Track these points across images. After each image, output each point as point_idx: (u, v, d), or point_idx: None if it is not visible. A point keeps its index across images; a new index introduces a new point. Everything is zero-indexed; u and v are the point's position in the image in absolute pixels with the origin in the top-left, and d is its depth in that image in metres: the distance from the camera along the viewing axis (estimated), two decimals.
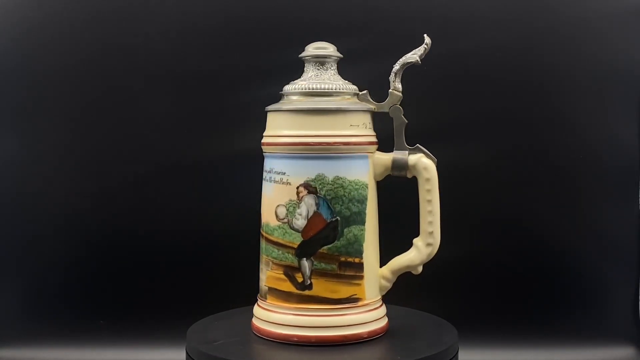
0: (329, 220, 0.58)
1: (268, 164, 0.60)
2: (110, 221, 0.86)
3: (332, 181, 0.58)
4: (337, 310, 0.58)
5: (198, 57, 0.85)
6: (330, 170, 0.58)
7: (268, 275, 0.60)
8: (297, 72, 0.62)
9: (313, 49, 0.61)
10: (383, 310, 0.62)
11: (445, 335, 0.62)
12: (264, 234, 0.60)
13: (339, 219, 0.58)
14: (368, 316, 0.60)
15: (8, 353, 0.86)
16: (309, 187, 0.58)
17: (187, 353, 0.61)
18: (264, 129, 0.62)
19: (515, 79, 0.85)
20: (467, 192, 0.85)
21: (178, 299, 0.86)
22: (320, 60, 0.61)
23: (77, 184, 0.86)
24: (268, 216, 0.60)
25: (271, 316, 0.60)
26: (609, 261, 0.86)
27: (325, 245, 0.58)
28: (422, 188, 0.61)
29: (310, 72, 0.61)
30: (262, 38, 0.84)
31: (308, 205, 0.58)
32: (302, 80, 0.61)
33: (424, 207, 0.61)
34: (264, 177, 0.61)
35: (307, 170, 0.58)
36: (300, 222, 0.58)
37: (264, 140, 0.61)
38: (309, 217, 0.58)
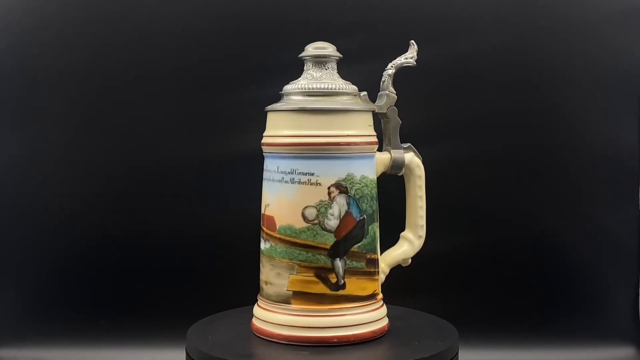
0: (358, 219, 0.59)
1: (286, 164, 0.58)
2: (110, 221, 0.86)
3: (359, 180, 0.59)
4: (366, 307, 0.60)
5: (197, 57, 0.85)
6: (357, 169, 0.59)
7: (292, 280, 0.58)
8: (297, 72, 0.62)
9: (313, 49, 0.61)
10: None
11: (445, 335, 0.62)
12: (283, 237, 0.58)
13: (365, 217, 0.59)
14: (384, 309, 0.62)
15: (8, 353, 0.86)
16: (341, 187, 0.58)
17: (187, 353, 0.61)
18: (263, 129, 0.62)
19: (514, 79, 0.85)
20: (467, 193, 0.85)
21: (178, 299, 0.86)
22: (320, 60, 0.61)
23: (77, 185, 0.86)
24: (291, 218, 0.58)
25: (301, 321, 0.58)
26: (609, 261, 0.86)
27: (355, 244, 0.59)
28: (415, 185, 0.64)
29: (311, 72, 0.61)
30: (262, 38, 0.84)
31: (340, 205, 0.58)
32: (307, 81, 0.60)
33: (415, 203, 0.64)
34: (277, 178, 0.59)
35: (337, 170, 0.58)
36: (332, 222, 0.58)
37: (276, 140, 0.59)
38: (341, 217, 0.58)
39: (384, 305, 0.62)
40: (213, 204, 0.86)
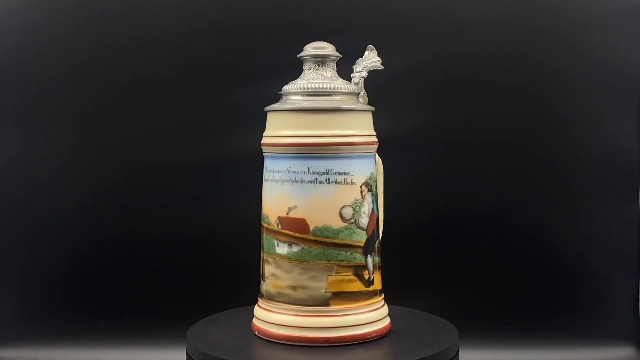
0: (377, 216, 0.60)
1: (320, 165, 0.58)
2: (110, 221, 0.86)
3: (375, 179, 0.61)
4: (382, 300, 0.62)
5: (197, 57, 0.85)
6: (374, 168, 0.61)
7: (332, 281, 0.58)
8: (298, 72, 0.62)
9: (312, 48, 0.61)
10: None
11: (445, 335, 0.62)
12: (319, 239, 0.57)
13: (378, 213, 0.61)
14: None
15: (8, 353, 0.86)
16: (369, 186, 0.59)
17: (187, 353, 0.61)
18: (264, 129, 0.62)
19: (514, 80, 0.85)
20: (468, 192, 0.85)
21: (178, 299, 0.86)
22: (319, 60, 0.61)
23: (77, 185, 0.86)
24: (328, 219, 0.57)
25: (342, 321, 0.58)
26: (609, 261, 0.86)
27: (377, 239, 0.60)
28: (378, 181, 0.64)
29: (311, 72, 0.61)
30: (262, 38, 0.84)
31: (368, 203, 0.59)
32: (305, 81, 0.60)
33: (379, 199, 0.65)
34: (309, 179, 0.57)
35: (365, 169, 0.59)
36: (364, 220, 0.59)
37: (304, 140, 0.58)
38: (369, 214, 0.59)
39: None
40: (213, 204, 0.86)
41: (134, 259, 0.86)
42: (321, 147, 0.58)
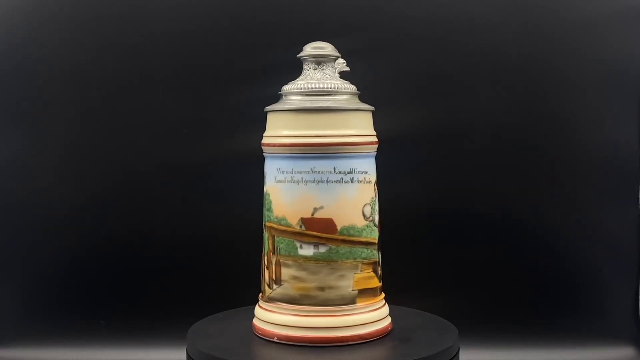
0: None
1: (345, 164, 0.58)
2: (110, 221, 0.86)
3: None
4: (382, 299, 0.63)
5: (197, 57, 0.85)
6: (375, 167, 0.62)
7: (357, 279, 0.58)
8: (298, 72, 0.62)
9: (311, 48, 0.61)
10: None
11: (445, 335, 0.62)
12: (346, 238, 0.58)
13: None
14: None
15: (8, 353, 0.86)
16: (377, 184, 0.61)
17: (187, 353, 0.61)
18: (264, 129, 0.62)
19: (514, 80, 0.85)
20: (468, 192, 0.85)
21: (178, 299, 0.86)
22: (319, 60, 0.61)
23: (78, 185, 0.86)
24: (353, 218, 0.58)
25: (367, 317, 0.59)
26: (609, 261, 0.86)
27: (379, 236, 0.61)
28: None
29: (317, 72, 0.61)
30: (262, 38, 0.84)
31: (378, 200, 0.61)
32: (306, 81, 0.60)
33: None
34: (336, 179, 0.58)
35: (375, 168, 0.61)
36: (377, 217, 0.61)
37: (330, 140, 0.58)
38: (378, 211, 0.61)
39: None
40: (213, 204, 0.86)
41: (134, 259, 0.86)
42: (346, 147, 0.58)
